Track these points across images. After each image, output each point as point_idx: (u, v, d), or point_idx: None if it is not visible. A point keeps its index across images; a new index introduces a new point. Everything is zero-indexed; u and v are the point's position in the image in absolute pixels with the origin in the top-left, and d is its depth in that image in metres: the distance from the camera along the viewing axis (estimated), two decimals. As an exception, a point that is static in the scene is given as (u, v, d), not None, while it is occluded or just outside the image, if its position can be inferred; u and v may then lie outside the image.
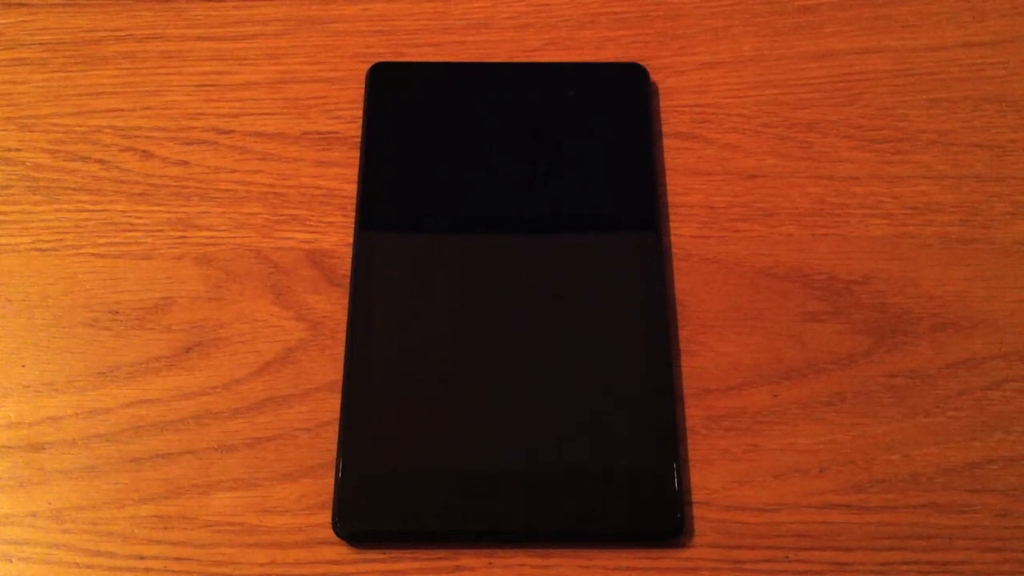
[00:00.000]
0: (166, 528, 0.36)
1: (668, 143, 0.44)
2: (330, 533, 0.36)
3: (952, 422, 0.38)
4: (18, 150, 0.44)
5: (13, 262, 0.41)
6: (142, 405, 0.38)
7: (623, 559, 0.36)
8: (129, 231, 0.42)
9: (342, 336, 0.39)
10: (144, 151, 0.44)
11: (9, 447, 0.38)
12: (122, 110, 0.45)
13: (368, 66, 0.45)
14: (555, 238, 0.41)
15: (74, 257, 0.42)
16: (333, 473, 0.36)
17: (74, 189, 0.43)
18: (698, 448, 0.38)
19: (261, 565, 0.35)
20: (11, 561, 0.35)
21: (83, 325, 0.40)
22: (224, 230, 0.42)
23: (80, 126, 0.45)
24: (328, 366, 0.39)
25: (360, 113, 0.44)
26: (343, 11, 0.48)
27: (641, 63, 0.45)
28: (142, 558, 0.35)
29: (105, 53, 0.47)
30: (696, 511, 0.36)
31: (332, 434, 0.37)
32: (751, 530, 0.36)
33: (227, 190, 0.43)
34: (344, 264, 0.41)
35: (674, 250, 0.42)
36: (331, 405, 0.38)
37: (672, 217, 0.42)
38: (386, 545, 0.36)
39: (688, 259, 0.41)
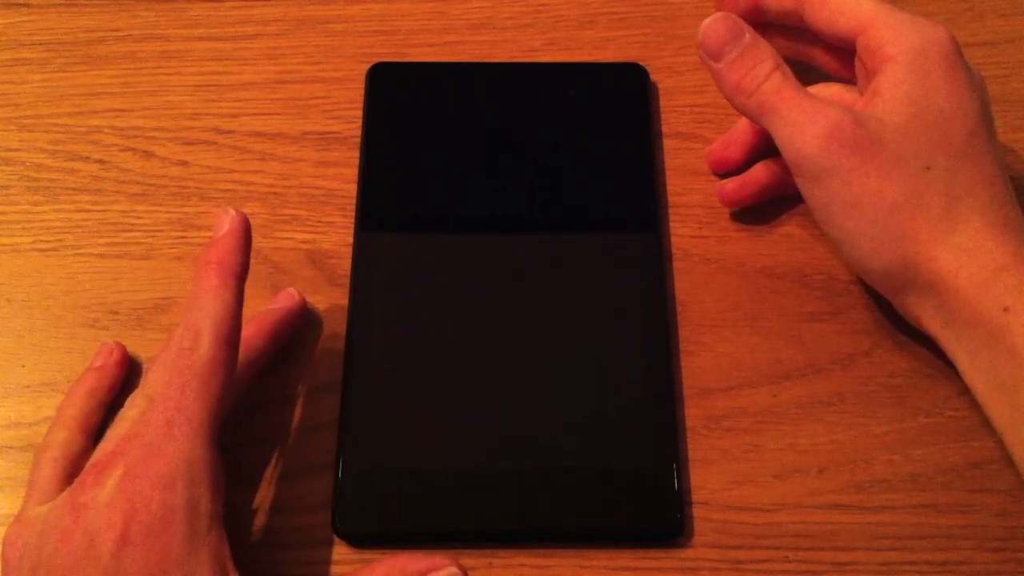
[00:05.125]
0: (166, 528, 0.36)
1: (668, 143, 0.44)
2: (330, 533, 0.36)
3: (952, 422, 0.38)
4: (18, 150, 0.44)
5: (13, 262, 0.41)
6: (142, 405, 0.38)
7: (623, 559, 0.36)
8: (129, 231, 0.42)
9: (342, 336, 0.39)
10: (144, 151, 0.44)
11: (9, 447, 0.38)
12: (122, 110, 0.45)
13: (368, 66, 0.45)
14: (555, 238, 0.41)
15: (74, 257, 0.42)
16: (333, 473, 0.36)
17: (74, 189, 0.43)
18: (698, 448, 0.38)
19: (261, 565, 0.35)
20: (11, 561, 0.35)
21: (83, 325, 0.40)
22: (224, 230, 0.42)
23: (80, 126, 0.45)
24: (328, 366, 0.39)
25: (360, 113, 0.44)
26: (343, 11, 0.48)
27: (641, 63, 0.45)
28: (142, 558, 0.35)
29: (105, 53, 0.47)
30: (696, 511, 0.36)
31: (332, 434, 0.37)
32: (751, 530, 0.36)
33: (227, 190, 0.43)
34: (344, 264, 0.41)
35: (674, 250, 0.42)
36: (331, 405, 0.38)
37: (672, 217, 0.42)
38: (386, 545, 0.36)
39: (688, 259, 0.41)
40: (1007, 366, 0.33)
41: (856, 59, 0.38)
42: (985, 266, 0.34)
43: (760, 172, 0.41)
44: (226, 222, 0.34)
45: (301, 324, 0.40)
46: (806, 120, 0.35)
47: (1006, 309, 0.33)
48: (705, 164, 0.43)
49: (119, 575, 0.30)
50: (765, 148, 0.42)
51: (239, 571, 0.31)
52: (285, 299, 0.39)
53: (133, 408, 0.33)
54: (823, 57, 0.40)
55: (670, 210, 0.42)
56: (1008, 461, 0.36)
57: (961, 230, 0.34)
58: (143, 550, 0.30)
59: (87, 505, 0.31)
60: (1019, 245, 0.34)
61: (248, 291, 0.40)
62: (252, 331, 0.38)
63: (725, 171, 0.42)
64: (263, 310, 0.39)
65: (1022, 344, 0.33)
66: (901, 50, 0.35)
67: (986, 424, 0.36)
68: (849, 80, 0.40)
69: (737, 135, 0.42)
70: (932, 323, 0.36)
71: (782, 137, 0.36)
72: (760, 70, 0.36)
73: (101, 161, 0.44)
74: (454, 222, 0.41)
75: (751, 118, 0.37)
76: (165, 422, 0.31)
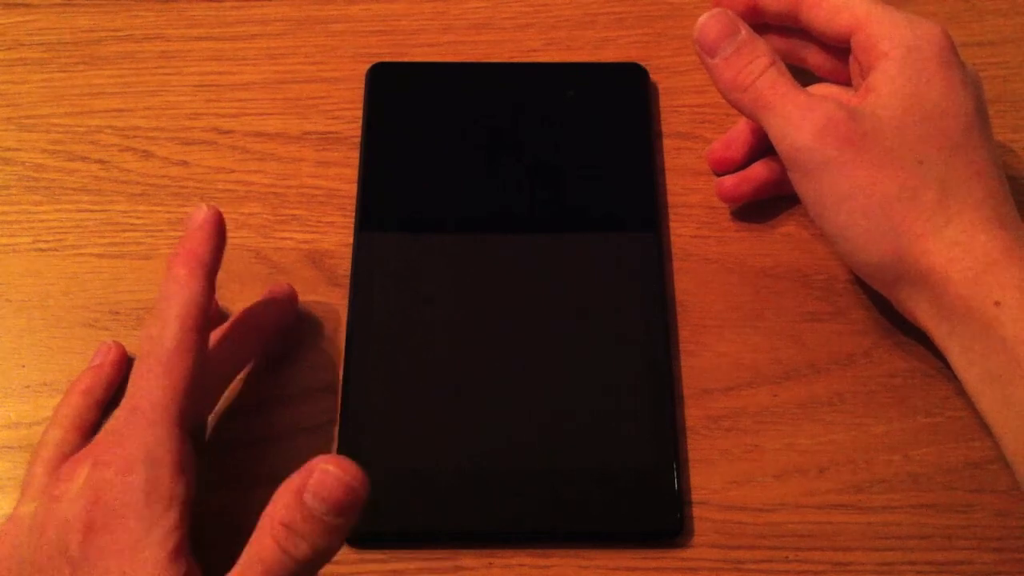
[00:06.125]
0: (166, 528, 0.36)
1: (668, 143, 0.44)
2: (330, 533, 0.36)
3: (952, 422, 0.38)
4: (18, 150, 0.44)
5: (13, 262, 0.41)
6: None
7: (623, 559, 0.36)
8: (129, 231, 0.42)
9: (342, 336, 0.39)
10: (144, 151, 0.44)
11: (9, 447, 0.38)
12: (122, 110, 0.45)
13: (368, 66, 0.45)
14: (555, 238, 0.41)
15: (74, 257, 0.42)
16: (333, 473, 0.36)
17: (74, 189, 0.43)
18: (698, 448, 0.38)
19: (261, 565, 0.35)
20: (11, 561, 0.35)
21: (83, 325, 0.40)
22: (224, 230, 0.42)
23: (80, 126, 0.45)
24: (328, 366, 0.39)
25: (360, 113, 0.44)
26: (343, 11, 0.48)
27: (641, 63, 0.45)
28: (142, 558, 0.35)
29: (105, 53, 0.47)
30: (696, 511, 0.36)
31: (332, 434, 0.37)
32: (751, 530, 0.36)
33: (227, 190, 0.43)
34: (344, 264, 0.41)
35: (674, 250, 0.42)
36: (331, 405, 0.38)
37: (672, 217, 0.42)
38: (386, 545, 0.36)
39: (688, 259, 0.41)
40: (998, 359, 0.33)
41: (851, 58, 0.38)
42: (977, 260, 0.34)
43: (759, 169, 0.41)
44: (198, 216, 0.35)
45: (292, 315, 0.39)
46: (800, 114, 0.35)
47: (997, 303, 0.33)
48: (705, 164, 0.43)
49: (85, 564, 0.30)
50: (765, 148, 0.42)
51: (192, 558, 0.31)
52: (272, 291, 0.39)
53: None
54: (817, 59, 0.40)
55: (670, 210, 0.42)
56: (1007, 461, 0.36)
57: (954, 224, 0.34)
58: (104, 534, 0.30)
59: (59, 498, 0.31)
60: (1012, 240, 0.34)
61: (248, 291, 0.40)
62: (235, 324, 0.38)
63: (726, 171, 0.42)
64: (250, 305, 0.39)
65: (1013, 337, 0.33)
66: (895, 46, 0.36)
67: (986, 424, 0.36)
68: (843, 83, 0.40)
69: (737, 135, 0.42)
70: (926, 317, 0.36)
71: (776, 132, 0.36)
72: (755, 66, 0.36)
73: (101, 161, 0.44)
74: (454, 222, 0.41)
75: (746, 114, 0.37)
76: (130, 409, 0.32)
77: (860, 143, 0.35)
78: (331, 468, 0.28)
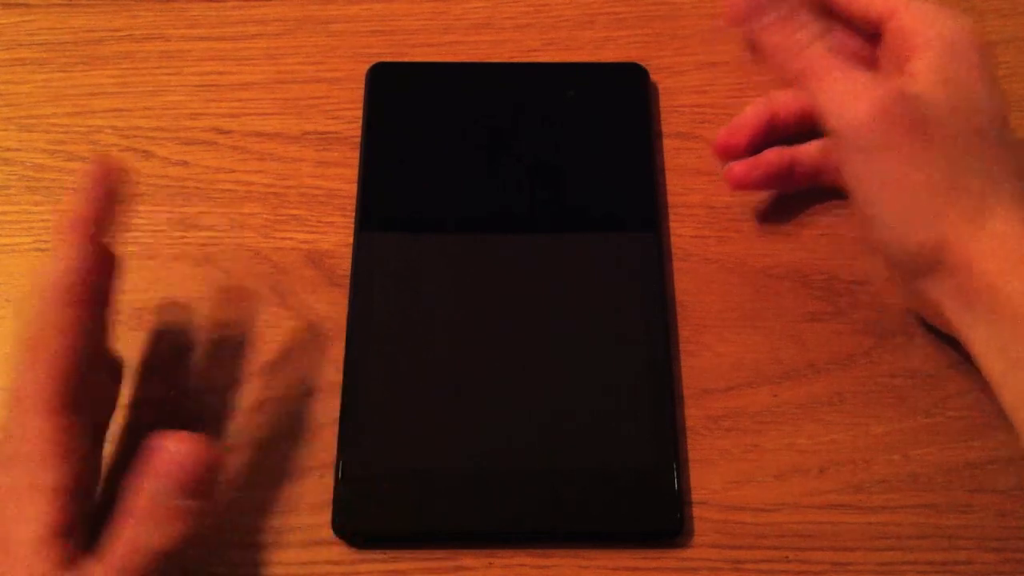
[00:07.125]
0: (166, 528, 0.36)
1: (668, 143, 0.44)
2: (330, 533, 0.36)
3: (952, 422, 0.38)
4: (18, 150, 0.44)
5: (13, 262, 0.41)
6: (143, 405, 0.38)
7: (623, 559, 0.36)
8: (129, 231, 0.42)
9: (342, 336, 0.39)
10: (144, 151, 0.44)
11: (9, 447, 0.38)
12: (122, 110, 0.45)
13: (368, 66, 0.45)
14: (555, 238, 0.41)
15: (74, 257, 0.41)
16: (333, 473, 0.36)
17: (74, 189, 0.43)
18: (698, 448, 0.38)
19: (261, 565, 0.35)
20: (11, 561, 0.35)
21: (83, 325, 0.40)
22: (224, 230, 0.42)
23: (80, 126, 0.45)
24: (328, 366, 0.39)
25: (360, 113, 0.44)
26: (343, 11, 0.48)
27: (641, 63, 0.45)
28: (142, 558, 0.35)
29: (105, 53, 0.46)
30: (696, 511, 0.36)
31: (332, 434, 0.37)
32: (751, 530, 0.36)
33: (227, 190, 0.43)
34: (344, 264, 0.41)
35: (674, 250, 0.42)
36: (331, 405, 0.38)
37: (672, 217, 0.42)
38: (386, 545, 0.36)
39: (688, 259, 0.41)
40: None
41: (882, 44, 0.37)
42: (1013, 251, 0.34)
43: (771, 156, 0.41)
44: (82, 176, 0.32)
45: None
46: (857, 91, 0.34)
47: None
48: (705, 164, 0.43)
49: None
50: (771, 136, 0.41)
51: (87, 539, 0.30)
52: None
53: None
54: (839, 40, 0.39)
55: (670, 210, 0.42)
56: (1008, 461, 0.36)
57: (996, 216, 0.34)
58: None
59: None
60: None
61: (248, 291, 0.40)
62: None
63: (730, 158, 0.42)
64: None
65: None
66: (934, 37, 0.35)
67: (986, 424, 0.36)
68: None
69: (744, 122, 0.42)
70: (950, 308, 0.35)
71: (829, 105, 0.35)
72: (804, 34, 0.35)
73: (101, 161, 0.44)
74: (454, 222, 0.41)
75: (791, 79, 0.36)
76: (14, 399, 0.31)
77: (914, 128, 0.34)
78: (170, 446, 0.26)
